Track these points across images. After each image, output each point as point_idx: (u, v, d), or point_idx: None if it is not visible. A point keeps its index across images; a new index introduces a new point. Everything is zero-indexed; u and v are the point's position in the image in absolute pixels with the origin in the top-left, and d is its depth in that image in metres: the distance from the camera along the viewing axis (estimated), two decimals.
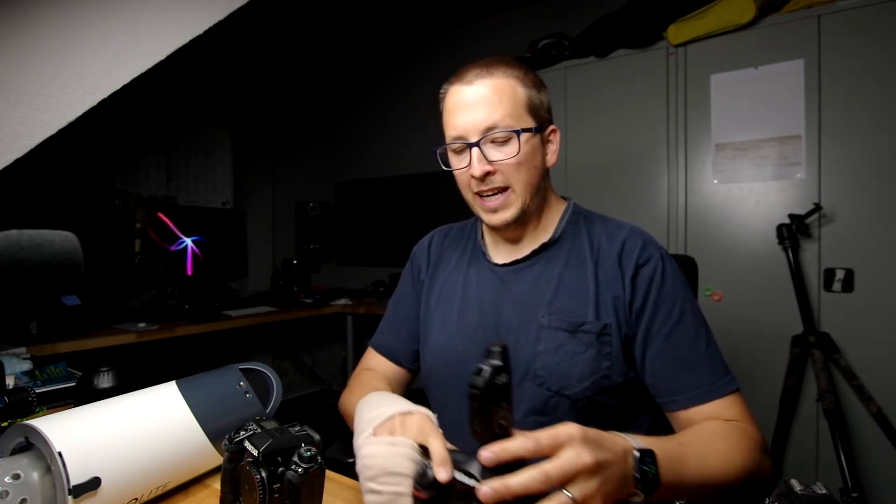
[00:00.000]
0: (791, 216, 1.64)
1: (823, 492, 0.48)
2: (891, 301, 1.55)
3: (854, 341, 1.60)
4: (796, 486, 0.49)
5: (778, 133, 1.73)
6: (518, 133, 0.77)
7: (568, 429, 0.49)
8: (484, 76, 0.78)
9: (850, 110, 1.61)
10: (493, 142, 0.77)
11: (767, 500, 0.49)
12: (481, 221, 0.95)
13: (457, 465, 0.51)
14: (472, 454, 0.49)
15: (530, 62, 2.28)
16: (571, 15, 2.52)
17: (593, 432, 0.51)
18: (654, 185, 1.98)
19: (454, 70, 0.83)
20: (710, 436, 0.69)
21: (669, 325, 0.76)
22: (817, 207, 1.62)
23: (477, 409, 0.47)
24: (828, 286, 1.64)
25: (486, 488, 0.46)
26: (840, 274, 1.62)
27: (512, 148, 0.77)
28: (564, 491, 0.47)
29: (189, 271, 2.41)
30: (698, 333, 0.76)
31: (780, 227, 1.64)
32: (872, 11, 1.57)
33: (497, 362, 0.47)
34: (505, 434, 0.49)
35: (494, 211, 0.80)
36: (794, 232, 1.63)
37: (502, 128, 0.77)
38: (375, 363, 0.98)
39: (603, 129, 2.10)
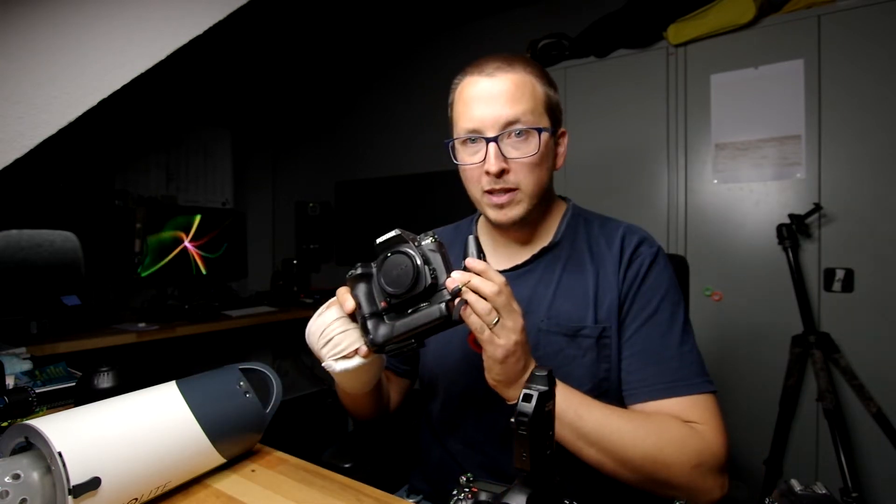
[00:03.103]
0: (791, 216, 1.64)
1: (823, 492, 0.48)
2: (891, 301, 1.55)
3: (854, 341, 1.60)
4: (796, 486, 0.49)
5: (778, 133, 1.73)
6: (539, 131, 0.75)
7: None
8: (506, 69, 0.76)
9: (850, 110, 1.61)
10: (510, 137, 0.75)
11: (768, 500, 0.49)
12: (475, 227, 0.94)
13: (497, 498, 0.50)
14: (516, 486, 0.47)
15: None
16: (571, 15, 2.51)
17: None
18: (654, 185, 1.98)
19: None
20: (640, 416, 0.69)
21: (643, 318, 0.75)
22: (817, 207, 1.62)
23: (525, 437, 0.44)
24: (828, 286, 1.64)
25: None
26: (840, 274, 1.62)
27: (531, 146, 0.75)
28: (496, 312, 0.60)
29: (201, 271, 2.42)
30: (672, 330, 0.74)
31: (780, 227, 1.64)
32: (872, 11, 1.57)
33: (544, 387, 0.45)
34: (551, 463, 0.46)
35: (502, 207, 0.77)
36: (794, 232, 1.63)
37: (524, 123, 0.74)
38: None
39: (603, 129, 2.10)
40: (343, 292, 0.66)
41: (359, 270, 0.65)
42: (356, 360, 0.65)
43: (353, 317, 0.66)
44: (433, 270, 0.60)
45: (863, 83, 1.59)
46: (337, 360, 0.65)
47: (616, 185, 2.07)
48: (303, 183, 3.54)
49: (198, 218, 2.46)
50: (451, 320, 0.60)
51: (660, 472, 0.65)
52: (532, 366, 0.65)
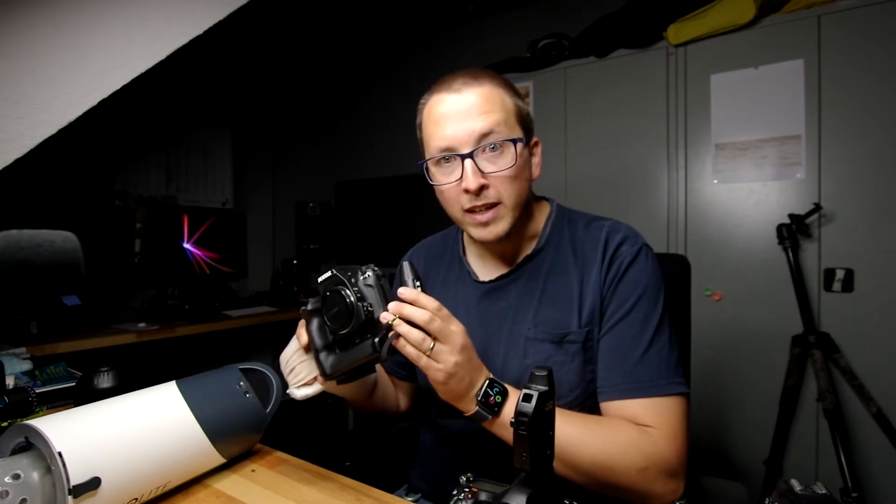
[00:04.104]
0: (791, 216, 1.64)
1: (823, 492, 0.48)
2: (891, 301, 1.55)
3: (854, 341, 1.60)
4: (796, 486, 0.49)
5: (778, 133, 1.73)
6: (514, 142, 0.74)
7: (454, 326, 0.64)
8: (472, 84, 0.74)
9: (850, 110, 1.61)
10: (485, 152, 0.73)
11: (768, 500, 0.49)
12: (462, 237, 0.92)
13: (497, 498, 0.50)
14: (516, 486, 0.47)
15: (530, 62, 2.28)
16: (571, 15, 2.51)
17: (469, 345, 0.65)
18: (654, 185, 1.98)
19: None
20: (591, 420, 0.70)
21: (617, 317, 0.74)
22: (817, 207, 1.62)
23: (525, 437, 0.44)
24: (828, 286, 1.64)
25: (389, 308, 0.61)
26: (840, 274, 1.62)
27: (507, 159, 0.73)
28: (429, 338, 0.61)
29: (204, 271, 2.43)
30: (645, 329, 0.73)
31: (780, 227, 1.64)
32: (872, 11, 1.57)
33: (544, 387, 0.45)
34: (550, 462, 0.46)
35: (486, 225, 0.75)
36: (794, 232, 1.63)
37: (497, 135, 0.73)
38: None
39: (603, 129, 2.10)
40: (300, 326, 0.71)
41: (310, 306, 0.69)
42: (315, 388, 0.71)
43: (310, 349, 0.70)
44: (368, 306, 0.63)
45: (863, 83, 1.59)
46: (299, 387, 0.71)
47: (616, 185, 2.07)
48: (303, 183, 3.54)
49: (210, 220, 2.48)
50: (381, 357, 0.62)
51: (605, 476, 0.65)
52: (483, 377, 0.66)
